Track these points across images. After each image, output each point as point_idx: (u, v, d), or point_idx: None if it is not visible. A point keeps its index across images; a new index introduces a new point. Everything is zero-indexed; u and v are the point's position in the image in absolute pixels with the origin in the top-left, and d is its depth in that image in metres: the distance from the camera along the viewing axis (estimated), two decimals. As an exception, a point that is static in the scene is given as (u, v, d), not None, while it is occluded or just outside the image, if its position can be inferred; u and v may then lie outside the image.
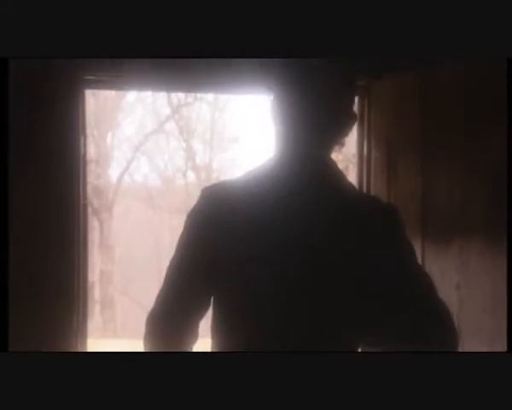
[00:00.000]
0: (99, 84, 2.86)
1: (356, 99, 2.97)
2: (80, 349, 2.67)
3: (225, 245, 1.50)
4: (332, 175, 1.56)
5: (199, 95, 9.63)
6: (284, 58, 1.85)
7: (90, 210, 2.45)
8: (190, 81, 2.87)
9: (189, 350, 1.55)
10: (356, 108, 2.97)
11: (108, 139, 12.39)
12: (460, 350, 1.59)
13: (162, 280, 1.59)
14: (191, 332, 1.54)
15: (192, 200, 1.67)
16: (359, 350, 1.56)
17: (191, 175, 13.42)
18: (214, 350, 1.56)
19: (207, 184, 1.64)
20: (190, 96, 11.27)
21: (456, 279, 2.66)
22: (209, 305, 1.54)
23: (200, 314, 1.53)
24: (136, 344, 2.21)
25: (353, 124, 1.58)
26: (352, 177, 3.00)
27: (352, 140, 4.39)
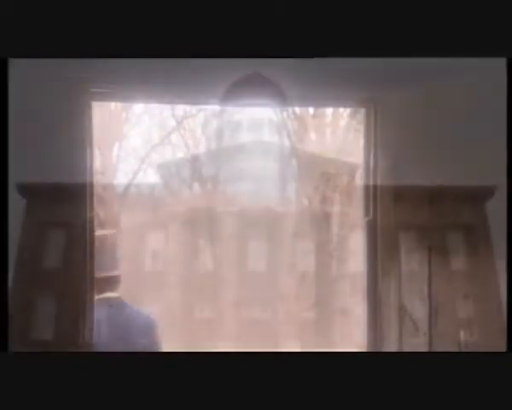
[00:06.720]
0: (106, 96, 2.85)
1: (363, 110, 2.97)
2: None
3: None
4: None
5: (204, 106, 9.62)
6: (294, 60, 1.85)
7: (96, 222, 2.47)
8: (196, 93, 2.88)
9: None
10: (362, 116, 2.98)
11: (115, 151, 12.38)
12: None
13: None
14: None
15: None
16: None
17: (196, 186, 13.38)
18: None
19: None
20: (195, 108, 11.24)
21: (464, 290, 2.65)
22: None
23: None
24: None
25: None
26: (360, 185, 2.99)
27: (358, 149, 4.37)
